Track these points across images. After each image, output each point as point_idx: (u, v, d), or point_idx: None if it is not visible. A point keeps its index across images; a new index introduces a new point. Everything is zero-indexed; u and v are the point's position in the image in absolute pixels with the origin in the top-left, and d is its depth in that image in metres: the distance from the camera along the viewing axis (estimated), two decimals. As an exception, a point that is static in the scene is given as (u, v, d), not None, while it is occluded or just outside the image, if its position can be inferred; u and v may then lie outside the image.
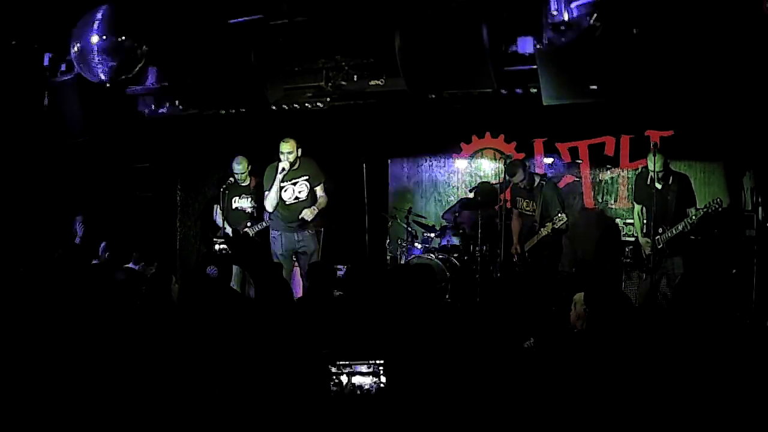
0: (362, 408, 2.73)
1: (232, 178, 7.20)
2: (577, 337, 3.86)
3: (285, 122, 7.85)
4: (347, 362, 2.75)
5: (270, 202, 6.72)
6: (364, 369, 2.75)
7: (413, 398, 2.77)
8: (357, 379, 2.75)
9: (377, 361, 2.76)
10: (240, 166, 7.16)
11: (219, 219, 7.33)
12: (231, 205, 7.27)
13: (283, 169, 6.63)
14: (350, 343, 2.99)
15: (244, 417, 2.74)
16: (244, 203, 7.30)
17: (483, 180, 8.31)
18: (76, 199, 7.85)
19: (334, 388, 2.72)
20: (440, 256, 7.32)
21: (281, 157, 6.65)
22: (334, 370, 2.74)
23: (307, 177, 6.78)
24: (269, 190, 6.72)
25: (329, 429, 2.68)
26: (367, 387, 2.75)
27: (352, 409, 2.73)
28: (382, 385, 2.75)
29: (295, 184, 6.78)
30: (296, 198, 6.79)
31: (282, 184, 6.69)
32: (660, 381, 2.92)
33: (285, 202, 6.77)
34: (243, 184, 7.26)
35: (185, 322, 3.36)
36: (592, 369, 3.06)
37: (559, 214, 6.47)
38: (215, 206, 7.43)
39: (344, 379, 2.73)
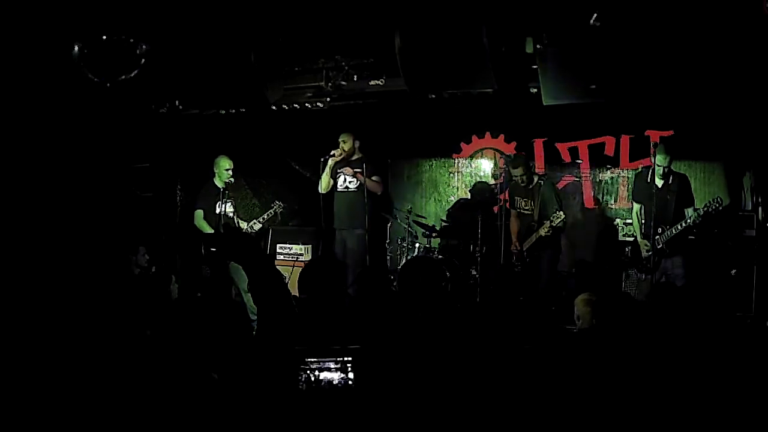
0: (330, 404, 2.75)
1: (230, 179, 7.10)
2: (577, 336, 3.86)
3: (285, 122, 7.85)
4: (315, 359, 2.77)
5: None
6: (332, 365, 2.78)
7: (381, 394, 2.78)
8: (325, 375, 2.78)
9: (345, 358, 2.78)
10: (229, 163, 7.08)
11: (205, 225, 7.10)
12: (215, 209, 7.08)
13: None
14: (321, 339, 2.99)
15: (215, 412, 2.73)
16: (227, 207, 7.13)
17: (481, 180, 8.31)
18: (77, 199, 7.83)
19: (302, 385, 2.74)
20: (440, 257, 7.31)
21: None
22: (302, 366, 2.76)
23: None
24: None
25: (297, 424, 2.69)
26: (335, 383, 2.77)
27: (319, 404, 2.74)
28: (350, 381, 2.77)
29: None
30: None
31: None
32: (660, 381, 2.92)
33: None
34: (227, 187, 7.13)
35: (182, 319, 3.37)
36: (591, 369, 3.06)
37: (557, 212, 6.47)
38: (197, 212, 7.16)
39: (312, 375, 2.75)
